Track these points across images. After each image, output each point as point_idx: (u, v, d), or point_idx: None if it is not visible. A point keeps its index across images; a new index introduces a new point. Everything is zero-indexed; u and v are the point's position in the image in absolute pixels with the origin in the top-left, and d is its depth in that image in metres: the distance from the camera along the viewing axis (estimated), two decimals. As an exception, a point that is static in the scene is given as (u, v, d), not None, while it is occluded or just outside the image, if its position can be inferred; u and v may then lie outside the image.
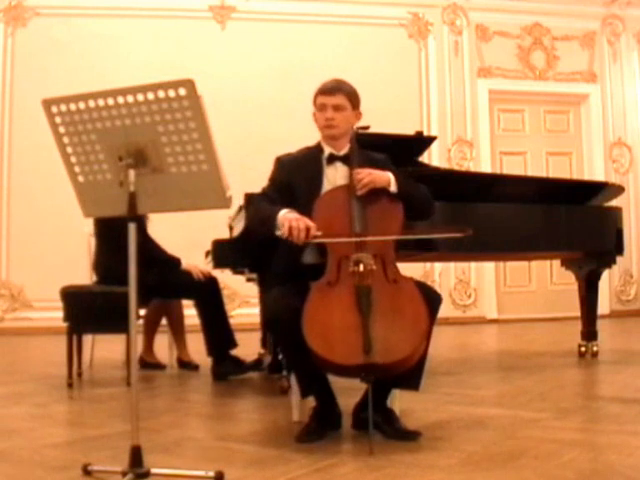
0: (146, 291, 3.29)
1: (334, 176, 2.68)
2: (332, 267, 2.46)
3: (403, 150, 3.69)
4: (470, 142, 8.09)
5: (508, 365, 4.49)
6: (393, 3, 8.02)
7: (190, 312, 4.29)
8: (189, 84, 1.92)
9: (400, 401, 2.68)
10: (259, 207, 2.67)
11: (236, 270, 4.06)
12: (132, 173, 2.00)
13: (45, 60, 7.31)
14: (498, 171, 8.02)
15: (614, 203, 4.79)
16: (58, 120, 2.05)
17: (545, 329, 6.90)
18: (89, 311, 3.73)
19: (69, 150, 2.09)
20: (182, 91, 1.92)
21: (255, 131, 7.40)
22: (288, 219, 2.45)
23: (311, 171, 2.69)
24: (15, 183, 7.30)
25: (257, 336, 4.54)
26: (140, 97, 1.95)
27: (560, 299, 7.67)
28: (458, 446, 2.30)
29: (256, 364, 4.05)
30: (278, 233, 2.49)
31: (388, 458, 2.17)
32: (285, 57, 7.68)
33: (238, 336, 4.09)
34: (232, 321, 4.18)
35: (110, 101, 1.98)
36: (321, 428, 2.46)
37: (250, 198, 3.42)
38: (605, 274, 4.74)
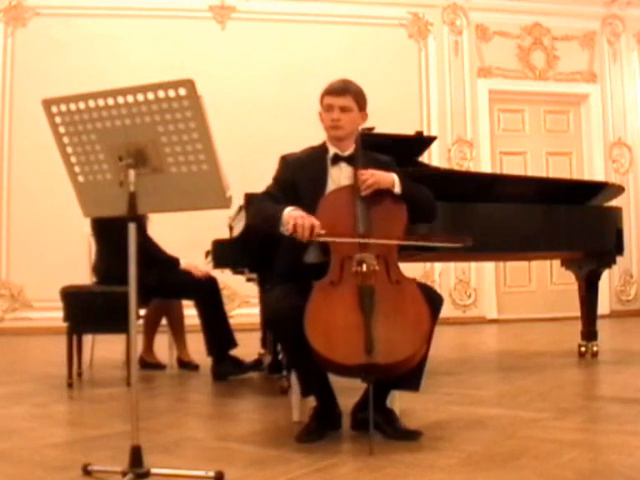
0: (146, 291, 3.29)
1: (338, 176, 2.68)
2: (335, 267, 2.46)
3: (403, 150, 3.68)
4: (470, 142, 8.09)
5: (508, 365, 4.49)
6: (393, 3, 8.02)
7: (190, 312, 4.29)
8: (189, 84, 1.92)
9: (400, 401, 2.68)
10: (263, 205, 2.67)
11: (236, 270, 4.06)
12: (132, 173, 2.00)
13: (45, 60, 7.31)
14: (498, 171, 8.02)
15: (614, 203, 4.79)
16: (58, 120, 2.06)
17: (545, 329, 6.90)
18: (89, 311, 3.73)
19: (69, 150, 2.09)
20: (182, 91, 1.92)
21: (255, 131, 7.40)
22: (293, 217, 2.45)
23: (315, 171, 2.69)
24: (15, 183, 7.30)
25: (257, 336, 4.54)
26: (140, 97, 1.95)
27: (560, 299, 7.67)
28: (458, 446, 2.30)
29: (256, 364, 4.05)
30: (283, 230, 2.49)
31: (388, 458, 2.17)
32: (285, 57, 7.69)
33: (238, 336, 4.09)
34: (232, 321, 4.18)
35: (110, 101, 1.98)
36: (321, 428, 2.46)
37: (252, 197, 3.42)
38: (605, 274, 4.74)
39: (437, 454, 2.21)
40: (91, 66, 7.16)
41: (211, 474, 1.94)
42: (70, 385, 3.66)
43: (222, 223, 4.44)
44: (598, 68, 8.44)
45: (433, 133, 7.38)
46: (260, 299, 4.24)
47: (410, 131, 4.22)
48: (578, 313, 4.61)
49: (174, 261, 4.21)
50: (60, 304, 3.79)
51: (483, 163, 8.05)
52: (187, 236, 6.06)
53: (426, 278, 7.47)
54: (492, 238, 3.90)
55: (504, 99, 8.27)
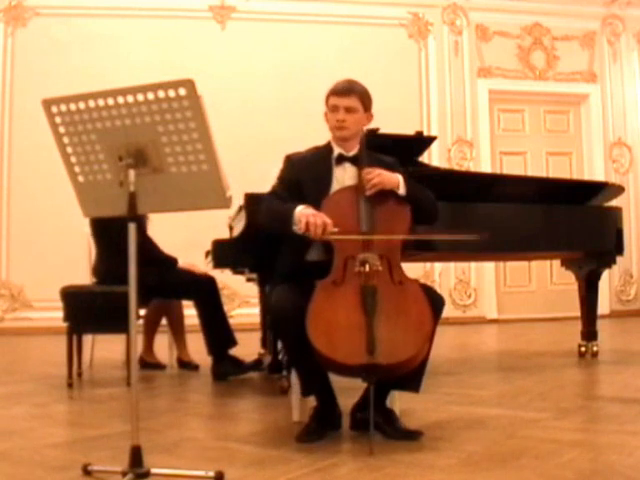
0: (146, 291, 3.29)
1: (342, 176, 2.68)
2: (338, 266, 2.46)
3: (403, 150, 3.68)
4: (470, 142, 8.09)
5: (508, 365, 4.49)
6: (393, 3, 8.02)
7: (190, 312, 4.29)
8: (189, 84, 1.92)
9: (400, 401, 2.68)
10: (272, 204, 2.67)
11: (236, 270, 4.06)
12: (132, 173, 2.00)
13: (45, 60, 7.31)
14: (498, 171, 8.02)
15: (614, 203, 4.79)
16: (58, 120, 2.06)
17: (545, 329, 6.90)
18: (89, 311, 3.73)
19: (69, 150, 2.09)
20: (182, 91, 1.92)
21: (255, 131, 7.40)
22: (305, 215, 2.45)
23: (320, 170, 2.69)
24: (15, 183, 7.30)
25: (257, 336, 4.54)
26: (140, 97, 1.95)
27: (560, 299, 7.67)
28: (458, 446, 2.30)
29: (256, 364, 4.05)
30: (295, 229, 2.49)
31: (388, 458, 2.17)
32: (285, 57, 7.69)
33: (238, 336, 4.09)
34: (232, 321, 4.18)
35: (110, 101, 1.98)
36: (321, 428, 2.46)
37: (258, 197, 3.42)
38: (605, 274, 4.74)
39: (437, 454, 2.21)
40: (91, 66, 7.16)
41: (211, 474, 1.94)
42: (70, 385, 3.66)
43: (222, 223, 4.44)
44: (598, 68, 8.44)
45: (433, 133, 7.38)
46: (260, 299, 4.24)
47: (410, 131, 4.22)
48: (578, 313, 4.61)
49: (172, 261, 4.22)
50: (60, 304, 3.79)
51: (483, 163, 8.05)
52: (187, 236, 6.07)
53: (426, 278, 7.48)
54: (492, 238, 3.88)
55: (504, 99, 8.27)
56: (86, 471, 2.01)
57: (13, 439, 2.49)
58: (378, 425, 2.40)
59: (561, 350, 4.95)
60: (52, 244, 7.04)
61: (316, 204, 2.54)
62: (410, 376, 2.43)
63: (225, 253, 3.59)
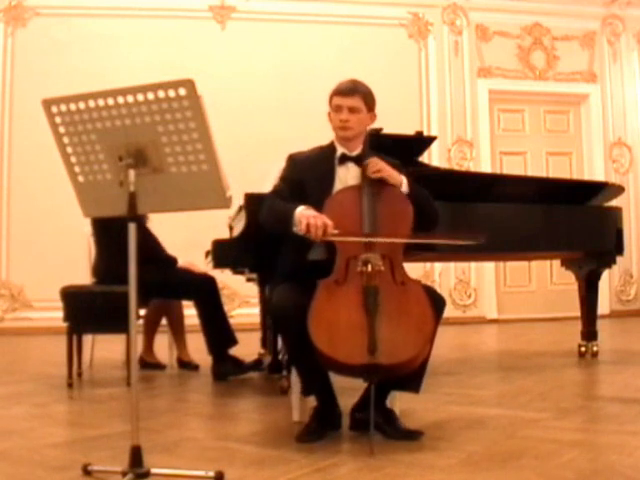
0: (146, 291, 3.29)
1: (345, 176, 2.68)
2: (340, 266, 2.46)
3: (403, 150, 3.68)
4: (470, 142, 8.09)
5: (508, 365, 4.49)
6: (393, 3, 8.02)
7: (190, 312, 4.29)
8: (189, 84, 1.92)
9: (400, 401, 2.68)
10: (273, 204, 2.67)
11: (236, 270, 4.06)
12: (132, 173, 2.00)
13: (45, 60, 7.31)
14: (498, 171, 8.02)
15: (614, 203, 4.79)
16: (58, 120, 2.05)
17: (545, 329, 6.89)
18: (89, 311, 3.73)
19: (69, 150, 2.09)
20: (182, 91, 1.92)
21: (255, 131, 7.40)
22: (306, 216, 2.45)
23: (323, 170, 2.70)
24: (15, 183, 7.30)
25: (257, 336, 4.54)
26: (140, 97, 1.95)
27: (560, 299, 7.67)
28: (458, 446, 2.30)
29: (256, 364, 4.05)
30: (295, 230, 2.49)
31: (388, 458, 2.17)
32: (285, 57, 7.69)
33: (238, 336, 4.09)
34: (232, 321, 4.18)
35: (110, 101, 1.98)
36: (321, 428, 2.46)
37: (253, 197, 3.43)
38: (605, 274, 4.74)
39: (437, 454, 2.21)
40: (91, 66, 7.16)
41: (211, 474, 1.94)
42: (70, 385, 3.66)
43: (222, 223, 4.44)
44: (598, 68, 8.44)
45: (433, 133, 7.39)
46: (260, 299, 4.25)
47: (410, 131, 4.22)
48: (578, 313, 4.61)
49: (172, 260, 4.23)
50: (60, 304, 3.79)
51: (483, 163, 8.05)
52: (187, 236, 6.06)
53: (426, 278, 7.47)
54: (492, 238, 3.87)
55: (504, 99, 8.27)
56: (86, 471, 2.01)
57: (13, 439, 2.49)
58: (378, 425, 2.40)
59: (561, 350, 4.94)
60: (52, 244, 7.04)
61: (319, 204, 2.54)
62: (410, 376, 2.43)
63: (225, 253, 3.59)
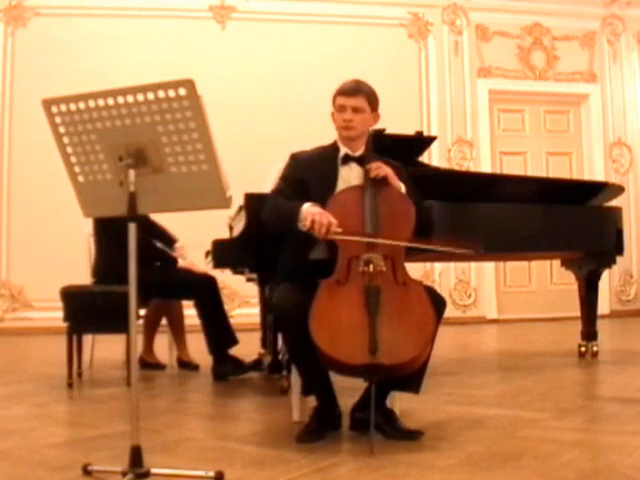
0: (146, 290, 3.30)
1: (348, 176, 2.69)
2: (342, 266, 2.46)
3: (403, 150, 3.68)
4: (470, 142, 8.09)
5: (508, 365, 4.49)
6: (393, 3, 8.01)
7: (190, 312, 4.29)
8: (189, 84, 1.92)
9: (400, 401, 2.68)
10: (277, 202, 2.67)
11: (236, 270, 4.06)
12: (132, 173, 2.00)
13: (45, 60, 7.31)
14: (498, 171, 8.02)
15: (614, 203, 4.79)
16: (58, 120, 2.05)
17: (545, 329, 6.89)
18: (89, 311, 3.73)
19: (69, 150, 2.09)
20: (182, 91, 1.92)
21: (255, 131, 7.40)
22: (311, 213, 2.46)
23: (326, 170, 2.70)
24: (15, 183, 7.30)
25: (257, 336, 4.54)
26: (140, 97, 1.95)
27: (560, 299, 7.67)
28: (458, 446, 2.30)
29: (256, 364, 4.05)
30: (300, 226, 2.49)
31: (388, 458, 2.17)
32: (285, 57, 7.68)
33: (238, 336, 4.09)
34: (232, 321, 4.18)
35: (110, 101, 1.98)
36: (321, 428, 2.46)
37: (253, 197, 3.43)
38: (605, 274, 4.74)
39: (437, 454, 2.21)
40: (91, 66, 7.16)
41: (211, 474, 1.94)
42: (70, 385, 3.66)
43: (222, 223, 4.44)
44: (598, 68, 8.44)
45: (433, 133, 7.38)
46: (260, 299, 4.24)
47: (410, 131, 4.22)
48: (578, 313, 4.61)
49: (172, 259, 4.24)
50: (60, 304, 3.79)
51: (483, 163, 8.05)
52: (187, 236, 6.04)
53: (426, 278, 7.47)
54: (492, 238, 3.89)
55: (504, 99, 8.27)
56: (86, 471, 2.01)
57: (13, 439, 2.49)
58: (378, 425, 2.40)
59: (561, 350, 4.94)
60: (52, 244, 7.04)
61: (322, 203, 2.54)
62: (411, 377, 2.43)
63: (225, 253, 3.59)
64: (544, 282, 8.22)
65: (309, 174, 2.69)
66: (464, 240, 2.88)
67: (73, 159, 2.10)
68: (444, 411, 2.93)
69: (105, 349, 4.65)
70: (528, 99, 8.33)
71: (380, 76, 7.41)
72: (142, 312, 4.33)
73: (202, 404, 3.36)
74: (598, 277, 4.54)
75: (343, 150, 2.72)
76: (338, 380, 2.52)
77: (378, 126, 2.88)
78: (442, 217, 3.69)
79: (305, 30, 7.80)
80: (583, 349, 4.51)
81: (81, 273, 4.51)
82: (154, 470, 1.95)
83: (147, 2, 7.58)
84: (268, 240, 3.17)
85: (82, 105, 2.01)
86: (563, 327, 6.31)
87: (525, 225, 4.07)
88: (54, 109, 2.04)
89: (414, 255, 3.58)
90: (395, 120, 3.78)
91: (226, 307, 4.21)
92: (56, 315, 4.10)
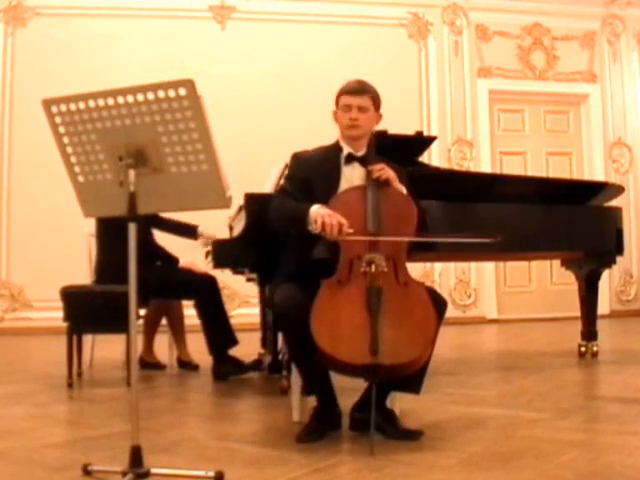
0: (146, 290, 3.30)
1: (351, 175, 2.70)
2: (344, 266, 2.47)
3: (403, 150, 3.68)
4: (470, 142, 8.08)
5: (508, 365, 4.49)
6: (393, 3, 8.01)
7: (190, 312, 4.29)
8: (189, 84, 1.92)
9: (400, 401, 2.68)
10: (284, 203, 2.68)
11: (236, 270, 4.06)
12: (132, 173, 2.00)
13: (45, 60, 7.31)
14: (498, 171, 8.02)
15: (614, 203, 4.79)
16: (58, 120, 2.05)
17: (545, 329, 6.90)
18: (89, 311, 3.73)
19: (69, 150, 2.09)
20: (182, 91, 1.92)
21: (255, 131, 7.40)
22: (321, 215, 2.46)
23: (328, 169, 2.71)
24: (15, 183, 7.30)
25: (257, 336, 4.54)
26: (140, 97, 1.95)
27: (560, 299, 7.67)
28: (458, 446, 2.30)
29: (256, 364, 4.05)
30: (310, 228, 2.49)
31: (388, 458, 2.17)
32: (285, 57, 7.68)
33: (238, 336, 4.09)
34: (232, 321, 4.18)
35: (110, 101, 1.98)
36: (321, 428, 2.46)
37: (253, 197, 3.43)
38: (605, 274, 4.74)
39: (437, 454, 2.21)
40: (91, 66, 7.16)
41: (211, 474, 1.94)
42: (70, 385, 3.66)
43: (222, 223, 4.44)
44: (598, 68, 8.44)
45: (433, 133, 7.38)
46: (260, 299, 4.24)
47: (410, 131, 4.22)
48: (578, 313, 4.61)
49: (173, 258, 4.25)
50: (60, 304, 3.79)
51: (483, 163, 8.04)
52: (187, 236, 6.06)
53: (426, 278, 7.47)
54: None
55: (504, 99, 8.27)
56: (86, 471, 2.01)
57: (13, 439, 2.49)
58: (378, 425, 2.40)
59: (561, 350, 4.94)
60: (52, 244, 7.04)
61: (325, 203, 2.55)
62: (411, 377, 2.43)
63: (225, 253, 3.59)
64: (544, 282, 8.22)
65: (312, 174, 2.70)
66: (479, 234, 2.90)
67: (73, 159, 2.10)
68: (444, 411, 2.93)
69: (105, 349, 4.65)
70: (528, 99, 8.33)
71: (380, 76, 7.39)
72: (142, 312, 4.33)
73: (202, 404, 3.36)
74: (598, 277, 4.54)
75: (346, 150, 2.73)
76: (338, 380, 2.52)
77: (379, 127, 2.88)
78: (442, 217, 3.69)
79: (305, 30, 7.80)
80: (583, 349, 4.51)
81: (81, 273, 4.51)
82: (154, 470, 1.95)
83: (147, 2, 7.58)
84: (268, 240, 3.17)
85: (82, 105, 2.01)
86: (563, 327, 6.30)
87: (525, 225, 4.07)
88: (54, 109, 2.04)
89: (414, 255, 3.59)
90: (395, 120, 3.78)
91: (226, 307, 4.21)
92: (56, 315, 4.10)
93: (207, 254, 4.21)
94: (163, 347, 4.52)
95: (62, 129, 2.06)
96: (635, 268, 8.33)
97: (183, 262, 4.30)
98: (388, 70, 7.67)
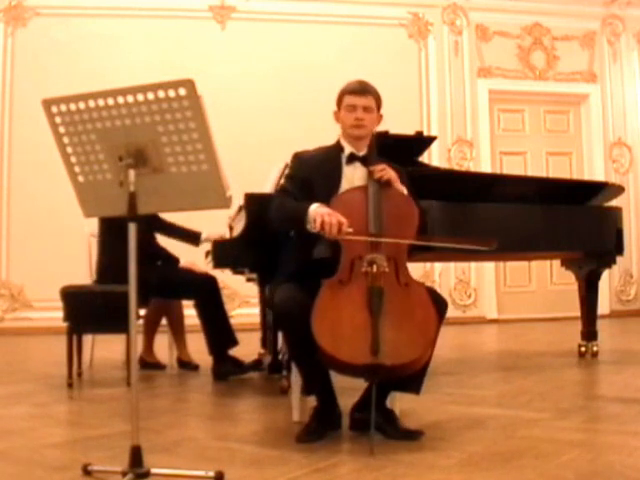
0: (146, 290, 3.30)
1: (352, 175, 2.70)
2: (345, 266, 2.47)
3: (403, 150, 3.68)
4: (470, 142, 8.08)
5: (508, 365, 4.49)
6: (393, 3, 8.01)
7: (190, 312, 4.29)
8: (189, 84, 1.92)
9: (400, 401, 2.68)
10: (284, 203, 2.68)
11: (236, 270, 4.06)
12: (132, 173, 2.00)
13: (45, 60, 7.31)
14: (498, 171, 8.02)
15: (614, 203, 4.79)
16: (58, 120, 2.05)
17: (545, 329, 6.90)
18: (89, 311, 3.73)
19: (69, 150, 2.09)
20: (182, 91, 1.92)
21: (255, 131, 7.40)
22: (320, 214, 2.46)
23: (330, 169, 2.71)
24: (15, 183, 7.30)
25: (257, 336, 4.54)
26: (140, 97, 1.95)
27: (560, 299, 7.67)
28: (458, 446, 2.30)
29: (256, 364, 4.05)
30: (309, 227, 2.50)
31: (388, 458, 2.17)
32: (285, 57, 7.68)
33: (238, 336, 4.09)
34: (232, 321, 4.18)
35: (110, 101, 1.98)
36: (321, 428, 2.46)
37: (253, 197, 3.43)
38: (605, 274, 4.74)
39: (437, 454, 2.21)
40: (91, 66, 7.16)
41: (211, 474, 1.94)
42: (70, 385, 3.66)
43: (222, 223, 4.44)
44: (598, 68, 8.44)
45: (433, 133, 7.38)
46: (260, 299, 4.24)
47: (410, 131, 4.22)
48: (578, 313, 4.61)
49: (173, 258, 4.25)
50: (60, 304, 3.79)
51: (483, 163, 8.04)
52: (187, 236, 6.05)
53: (426, 278, 7.47)
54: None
55: (504, 99, 8.27)
56: (86, 471, 2.01)
57: (13, 439, 2.49)
58: (378, 425, 2.40)
59: (561, 350, 4.94)
60: (52, 244, 7.04)
61: (326, 203, 2.54)
62: (411, 378, 2.43)
63: (225, 253, 3.59)
64: (544, 282, 8.22)
65: (313, 173, 2.70)
66: (476, 238, 2.90)
67: (73, 159, 2.10)
68: (444, 411, 2.93)
69: (105, 349, 4.65)
70: (528, 99, 8.33)
71: (380, 76, 7.38)
72: (142, 312, 4.33)
73: (202, 404, 3.36)
74: (598, 277, 4.54)
75: (348, 149, 2.73)
76: (338, 380, 2.52)
77: (379, 127, 2.89)
78: (442, 217, 3.69)
79: (305, 30, 7.80)
80: (583, 349, 4.51)
81: (81, 273, 4.51)
82: (154, 470, 1.95)
83: (147, 2, 7.58)
84: (268, 240, 3.17)
85: (82, 105, 2.01)
86: (563, 327, 6.30)
87: (525, 225, 4.07)
88: (54, 109, 2.04)
89: (414, 255, 3.59)
90: (395, 120, 3.79)
91: (226, 307, 4.21)
92: (56, 315, 4.10)
93: (207, 254, 4.21)
94: (163, 347, 4.52)
95: (62, 129, 2.06)
96: (635, 268, 8.33)
97: (183, 262, 4.30)
98: (388, 70, 7.66)
